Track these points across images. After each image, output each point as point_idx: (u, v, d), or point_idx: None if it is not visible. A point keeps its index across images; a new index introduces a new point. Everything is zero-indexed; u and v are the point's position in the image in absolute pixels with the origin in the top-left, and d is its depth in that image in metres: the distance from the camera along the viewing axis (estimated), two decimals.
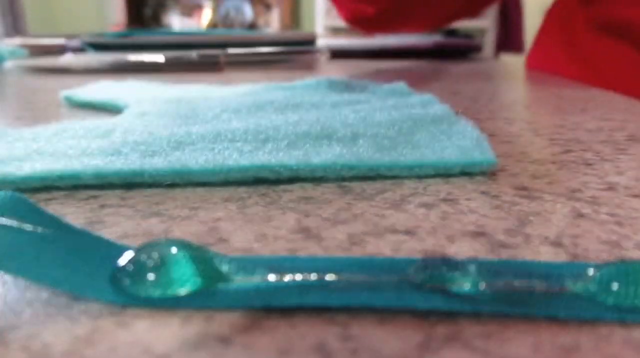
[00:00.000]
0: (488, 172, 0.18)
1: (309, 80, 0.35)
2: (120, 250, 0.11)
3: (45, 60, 0.58)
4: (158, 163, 0.17)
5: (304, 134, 0.20)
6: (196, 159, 0.17)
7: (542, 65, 0.54)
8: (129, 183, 0.17)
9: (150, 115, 0.25)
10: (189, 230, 0.14)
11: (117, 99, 0.30)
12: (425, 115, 0.23)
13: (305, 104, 0.27)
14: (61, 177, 0.16)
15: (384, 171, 0.17)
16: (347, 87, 0.34)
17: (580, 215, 0.15)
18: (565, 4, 0.52)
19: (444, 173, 0.18)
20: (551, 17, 0.55)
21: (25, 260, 0.10)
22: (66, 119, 0.24)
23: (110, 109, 0.29)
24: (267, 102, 0.27)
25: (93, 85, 0.36)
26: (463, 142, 0.19)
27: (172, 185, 0.17)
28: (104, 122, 0.23)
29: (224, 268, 0.10)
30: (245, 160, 0.17)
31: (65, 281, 0.10)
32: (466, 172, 0.18)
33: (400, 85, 0.33)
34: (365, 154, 0.18)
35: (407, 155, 0.18)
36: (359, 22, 0.57)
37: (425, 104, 0.26)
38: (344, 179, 0.18)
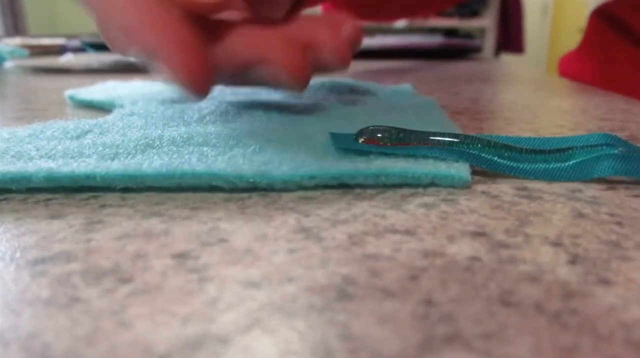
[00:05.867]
0: (462, 186, 0.17)
1: (313, 81, 0.35)
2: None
3: (45, 60, 0.58)
4: (113, 166, 0.16)
5: (277, 138, 0.19)
6: (152, 163, 0.17)
7: (571, 72, 0.54)
8: (86, 186, 0.16)
9: (135, 116, 0.24)
10: (189, 230, 0.14)
11: (118, 98, 0.30)
12: (416, 121, 0.23)
13: (301, 105, 0.27)
14: (13, 180, 0.16)
15: (347, 179, 0.16)
16: (351, 89, 0.34)
17: (580, 215, 0.15)
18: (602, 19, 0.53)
19: (412, 182, 0.17)
20: (590, 30, 0.55)
21: None
22: (66, 118, 0.24)
23: (110, 109, 0.29)
24: (261, 104, 0.26)
25: (99, 84, 0.36)
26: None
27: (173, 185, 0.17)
28: (85, 122, 0.23)
29: None
30: (201, 167, 0.16)
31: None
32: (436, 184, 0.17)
33: (406, 87, 0.33)
34: (330, 161, 0.17)
35: (374, 162, 0.17)
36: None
37: (421, 108, 0.26)
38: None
